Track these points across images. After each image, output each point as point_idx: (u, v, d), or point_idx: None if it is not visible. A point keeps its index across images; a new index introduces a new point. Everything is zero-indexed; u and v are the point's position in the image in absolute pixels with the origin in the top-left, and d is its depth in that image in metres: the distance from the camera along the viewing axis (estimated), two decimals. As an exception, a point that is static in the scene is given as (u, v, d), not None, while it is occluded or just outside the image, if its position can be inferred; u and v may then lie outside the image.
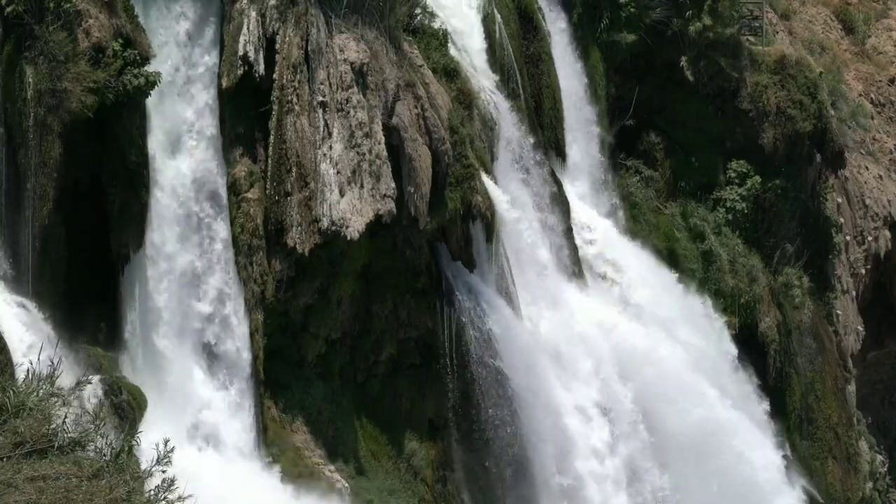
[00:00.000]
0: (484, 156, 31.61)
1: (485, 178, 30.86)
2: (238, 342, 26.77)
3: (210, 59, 26.86)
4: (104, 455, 11.22)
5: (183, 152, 26.42)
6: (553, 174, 34.35)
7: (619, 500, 32.13)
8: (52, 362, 12.11)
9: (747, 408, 37.24)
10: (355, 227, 27.17)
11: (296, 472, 26.97)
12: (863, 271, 45.20)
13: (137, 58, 24.52)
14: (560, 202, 34.07)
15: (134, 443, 12.03)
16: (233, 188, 27.02)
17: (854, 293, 44.59)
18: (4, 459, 11.00)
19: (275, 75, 27.12)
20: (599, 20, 37.97)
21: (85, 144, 24.52)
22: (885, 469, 46.01)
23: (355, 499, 27.81)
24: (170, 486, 10.70)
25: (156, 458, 11.00)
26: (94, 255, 25.15)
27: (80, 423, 11.77)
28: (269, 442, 26.93)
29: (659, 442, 33.28)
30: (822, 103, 41.24)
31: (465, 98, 31.45)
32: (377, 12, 28.56)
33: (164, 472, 10.96)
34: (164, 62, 25.82)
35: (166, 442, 11.10)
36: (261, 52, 26.94)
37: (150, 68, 24.74)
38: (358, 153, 27.47)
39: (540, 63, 35.53)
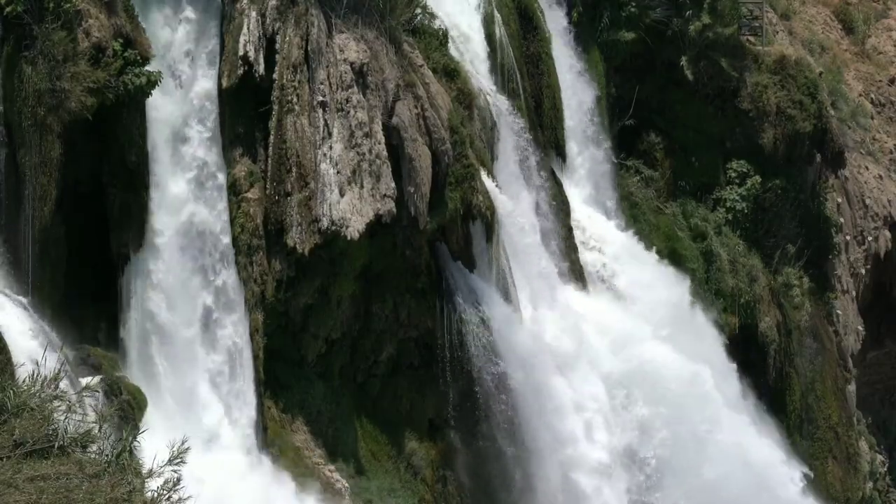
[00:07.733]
0: (484, 156, 31.58)
1: (485, 177, 30.83)
2: (238, 342, 26.74)
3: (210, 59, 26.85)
4: (105, 455, 11.18)
5: None
6: (553, 174, 34.33)
7: (619, 498, 32.10)
8: (42, 363, 12.05)
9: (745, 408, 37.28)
10: (355, 227, 27.14)
11: (296, 472, 26.94)
12: (863, 271, 45.19)
13: (138, 58, 24.48)
14: (560, 202, 34.06)
15: (135, 443, 11.99)
16: (233, 188, 26.99)
17: (854, 293, 44.59)
18: (5, 459, 10.97)
19: (275, 75, 27.08)
20: (599, 20, 37.97)
21: (85, 144, 24.49)
22: (885, 469, 46.00)
23: (355, 499, 27.79)
24: (175, 485, 10.66)
25: (168, 457, 10.94)
26: (94, 255, 25.13)
27: (82, 423, 11.73)
28: (269, 442, 26.91)
29: (660, 439, 33.26)
30: (822, 103, 41.24)
31: (465, 98, 31.41)
32: (377, 12, 28.53)
33: (174, 471, 10.90)
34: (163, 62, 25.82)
35: (183, 442, 11.02)
36: (261, 52, 26.89)
37: (149, 68, 24.71)
38: (358, 153, 27.45)
39: (540, 63, 35.50)
